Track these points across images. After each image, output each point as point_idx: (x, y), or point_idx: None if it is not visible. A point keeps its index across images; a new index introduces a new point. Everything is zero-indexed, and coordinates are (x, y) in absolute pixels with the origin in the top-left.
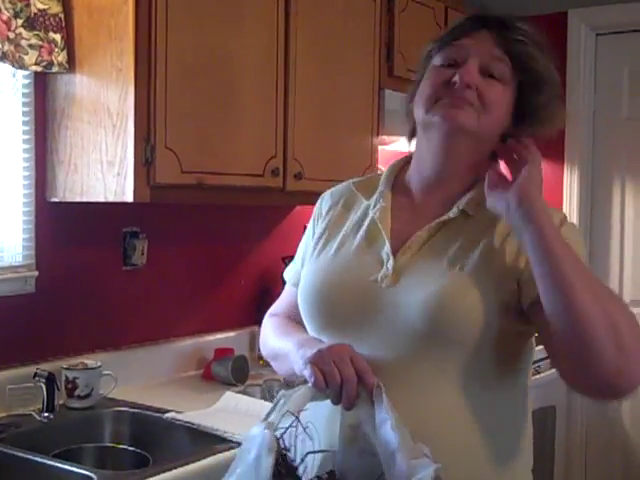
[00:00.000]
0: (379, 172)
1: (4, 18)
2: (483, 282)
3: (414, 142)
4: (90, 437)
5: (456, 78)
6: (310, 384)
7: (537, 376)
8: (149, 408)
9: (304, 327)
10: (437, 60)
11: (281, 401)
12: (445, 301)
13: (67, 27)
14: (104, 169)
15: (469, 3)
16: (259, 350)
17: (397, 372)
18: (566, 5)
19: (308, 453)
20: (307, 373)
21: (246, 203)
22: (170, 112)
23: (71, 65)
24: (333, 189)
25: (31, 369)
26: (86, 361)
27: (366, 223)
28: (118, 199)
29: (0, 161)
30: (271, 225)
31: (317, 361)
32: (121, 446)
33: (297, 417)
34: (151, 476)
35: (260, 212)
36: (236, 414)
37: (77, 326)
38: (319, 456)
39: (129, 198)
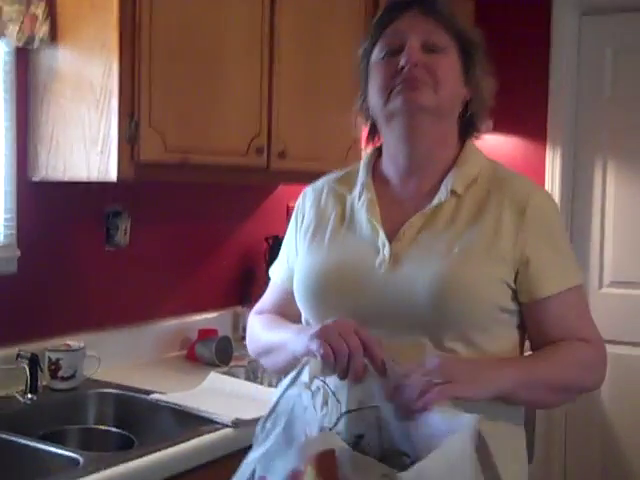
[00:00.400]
0: (354, 164)
1: None
2: (483, 262)
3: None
4: (74, 419)
5: (402, 62)
6: (318, 357)
7: None
8: (133, 389)
9: (294, 323)
10: (377, 53)
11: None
12: (449, 283)
13: None
14: (87, 147)
15: None
16: (243, 330)
17: (397, 355)
18: None
19: (347, 412)
20: (314, 346)
21: (230, 182)
22: (154, 89)
23: (54, 38)
24: (313, 185)
25: (14, 350)
26: (69, 342)
27: (355, 215)
28: (101, 177)
29: None
30: (254, 204)
31: (323, 334)
32: (105, 427)
33: (324, 381)
34: (136, 458)
35: (243, 191)
36: (221, 395)
37: (60, 307)
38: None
39: (113, 176)
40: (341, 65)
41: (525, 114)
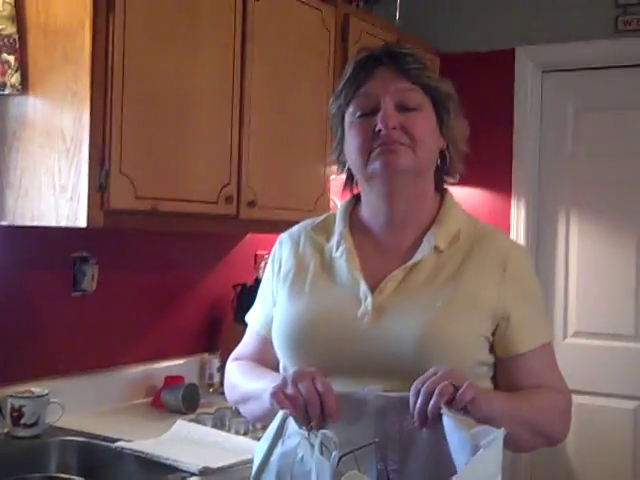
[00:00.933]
0: (330, 212)
1: None
2: (466, 317)
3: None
4: (36, 467)
5: (379, 126)
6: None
7: None
8: (98, 437)
9: (273, 371)
10: (352, 112)
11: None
12: (432, 336)
13: (21, 48)
14: (56, 194)
15: (421, 38)
16: (209, 378)
17: None
18: (514, 42)
19: (349, 452)
20: (273, 400)
21: (200, 230)
22: (125, 137)
23: (24, 87)
24: (290, 232)
25: None
26: (33, 389)
27: (335, 264)
28: (71, 224)
29: None
30: (223, 252)
31: (280, 386)
32: (68, 476)
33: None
34: None
35: (212, 239)
36: (188, 443)
37: (24, 352)
38: None
39: (82, 223)
40: (310, 116)
41: (490, 167)
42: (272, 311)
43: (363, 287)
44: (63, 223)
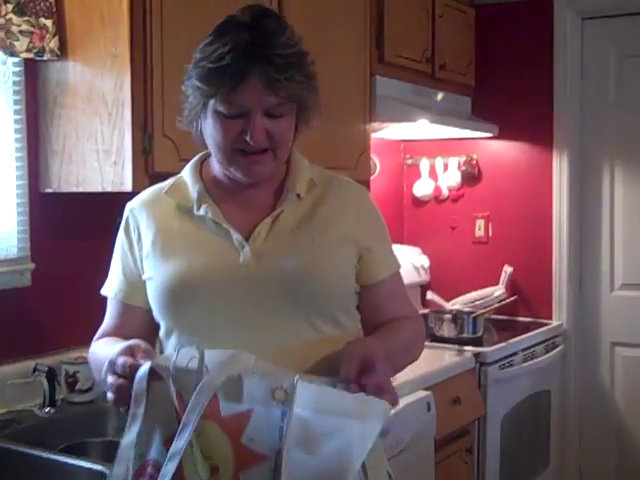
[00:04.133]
0: (176, 176)
1: None
2: (339, 250)
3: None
4: (93, 431)
5: (248, 137)
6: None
7: (531, 361)
8: None
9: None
10: (219, 108)
11: None
12: (316, 271)
13: (58, 12)
14: (100, 158)
15: None
16: None
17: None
18: None
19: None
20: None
21: None
22: (167, 99)
23: (63, 51)
24: (139, 200)
25: (30, 364)
26: (85, 355)
27: (199, 223)
28: (116, 189)
29: None
30: None
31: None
32: None
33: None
34: None
35: None
36: None
37: (75, 319)
38: None
39: (128, 187)
40: (348, 73)
41: (531, 120)
42: (138, 280)
43: (237, 237)
44: (108, 188)
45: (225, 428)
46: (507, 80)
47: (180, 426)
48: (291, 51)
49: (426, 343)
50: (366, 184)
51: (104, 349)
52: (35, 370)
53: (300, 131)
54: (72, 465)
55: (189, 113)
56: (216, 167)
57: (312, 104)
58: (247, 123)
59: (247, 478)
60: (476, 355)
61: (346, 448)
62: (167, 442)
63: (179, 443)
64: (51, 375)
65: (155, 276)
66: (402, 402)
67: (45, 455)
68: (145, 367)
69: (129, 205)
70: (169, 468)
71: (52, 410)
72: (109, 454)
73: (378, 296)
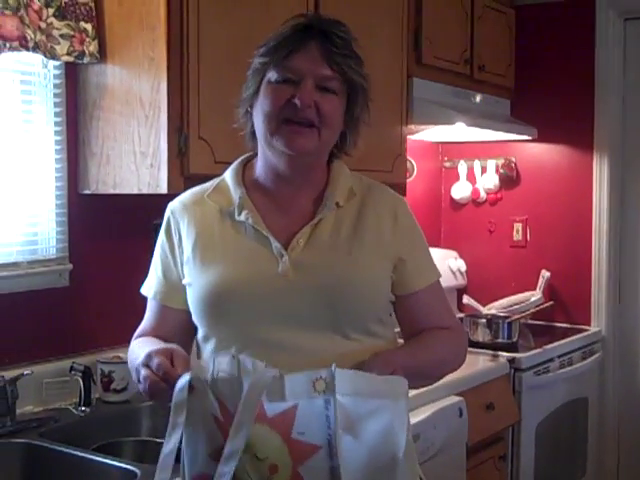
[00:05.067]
0: (218, 179)
1: (35, 7)
2: (376, 261)
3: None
4: (127, 431)
5: (297, 100)
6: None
7: (569, 368)
8: None
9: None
10: (272, 76)
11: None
12: (352, 283)
13: (98, 16)
14: (137, 160)
15: None
16: None
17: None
18: None
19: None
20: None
21: None
22: (202, 102)
23: (102, 55)
24: (180, 202)
25: (67, 363)
26: (121, 354)
27: (240, 228)
28: (152, 190)
29: (32, 153)
30: None
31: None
32: (159, 440)
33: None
34: None
35: None
36: None
37: (111, 319)
38: None
39: (163, 189)
40: (385, 75)
41: (571, 122)
42: (178, 282)
43: (276, 245)
44: (144, 190)
45: (275, 427)
46: (547, 82)
47: (233, 427)
48: (348, 38)
49: None
50: (402, 187)
51: (143, 349)
52: (71, 369)
53: (348, 128)
54: (105, 464)
55: (246, 96)
56: (258, 169)
57: (362, 97)
58: (297, 89)
59: (306, 470)
60: (510, 361)
61: (388, 427)
62: (213, 453)
63: (236, 442)
64: (87, 374)
65: (194, 283)
66: (433, 407)
67: (79, 453)
68: (185, 379)
69: (170, 206)
70: (226, 470)
71: (87, 409)
72: (142, 453)
73: (414, 306)
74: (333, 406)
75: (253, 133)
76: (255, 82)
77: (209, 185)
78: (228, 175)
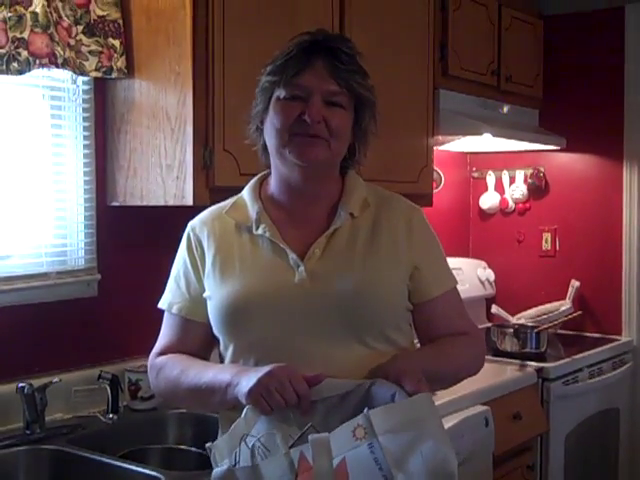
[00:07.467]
0: (236, 196)
1: (65, 25)
2: (391, 270)
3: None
4: (154, 438)
5: (307, 117)
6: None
7: (599, 378)
8: None
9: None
10: (281, 94)
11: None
12: (369, 292)
13: (126, 32)
14: (163, 173)
15: (523, 1)
16: None
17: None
18: (623, 0)
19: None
20: (250, 400)
21: None
22: (227, 115)
23: (130, 70)
24: (200, 219)
25: (95, 371)
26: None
27: (258, 242)
28: (178, 202)
29: (62, 166)
30: None
31: (259, 390)
32: (185, 447)
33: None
34: None
35: None
36: None
37: (138, 328)
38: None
39: (189, 201)
40: (412, 86)
41: (600, 132)
42: (200, 296)
43: (292, 256)
44: (171, 202)
45: None
46: (576, 92)
47: None
48: (353, 53)
49: (487, 357)
50: (428, 198)
51: (198, 370)
52: (100, 377)
53: (357, 139)
54: (131, 471)
55: (255, 113)
56: (272, 184)
57: (369, 109)
58: (306, 105)
59: None
60: (538, 370)
61: (434, 449)
62: None
63: None
64: (115, 382)
65: (214, 296)
66: (459, 416)
67: (106, 460)
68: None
69: (190, 224)
70: None
71: (115, 417)
72: (168, 461)
73: (431, 313)
74: (379, 447)
75: (265, 148)
76: (264, 100)
77: (227, 203)
78: (245, 192)
